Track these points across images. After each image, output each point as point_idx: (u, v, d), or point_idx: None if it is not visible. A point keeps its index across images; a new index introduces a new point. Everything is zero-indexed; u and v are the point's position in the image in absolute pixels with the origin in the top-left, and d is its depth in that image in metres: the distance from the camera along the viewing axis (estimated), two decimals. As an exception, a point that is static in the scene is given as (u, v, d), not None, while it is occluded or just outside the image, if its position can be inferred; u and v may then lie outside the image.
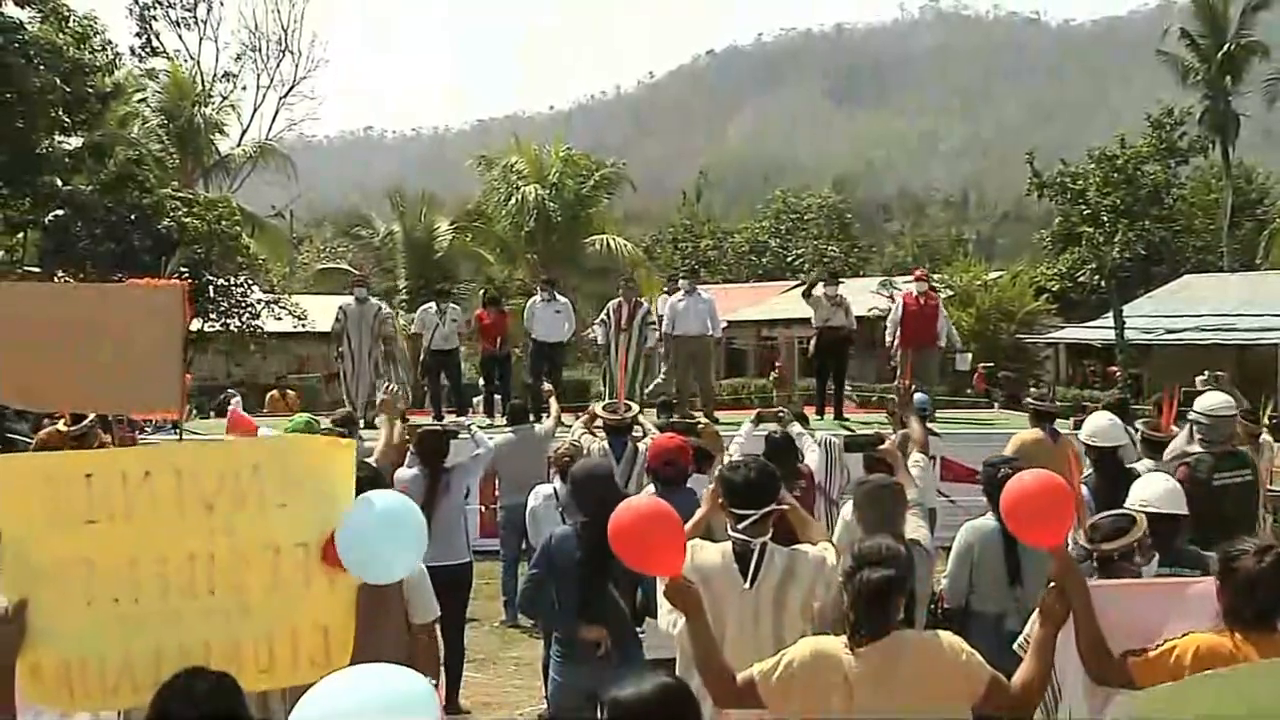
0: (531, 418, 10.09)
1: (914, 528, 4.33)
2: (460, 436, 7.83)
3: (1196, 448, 6.10)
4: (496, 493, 9.95)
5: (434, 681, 4.03)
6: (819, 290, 12.69)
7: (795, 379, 28.27)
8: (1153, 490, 4.65)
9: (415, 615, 4.07)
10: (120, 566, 3.13)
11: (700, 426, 6.43)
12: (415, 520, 3.24)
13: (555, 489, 7.15)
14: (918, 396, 9.12)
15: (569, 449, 7.25)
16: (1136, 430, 7.34)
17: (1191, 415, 6.29)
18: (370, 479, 4.19)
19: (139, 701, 3.23)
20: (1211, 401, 6.19)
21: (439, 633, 6.74)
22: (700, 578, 3.73)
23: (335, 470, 3.33)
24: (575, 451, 7.15)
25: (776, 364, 29.52)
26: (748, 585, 3.72)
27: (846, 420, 12.27)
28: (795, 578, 3.73)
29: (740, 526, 3.79)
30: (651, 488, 5.52)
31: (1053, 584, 3.15)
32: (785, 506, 4.08)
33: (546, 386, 10.07)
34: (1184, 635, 3.04)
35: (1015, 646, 3.38)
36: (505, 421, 9.94)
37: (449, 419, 11.02)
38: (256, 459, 3.30)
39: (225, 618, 3.17)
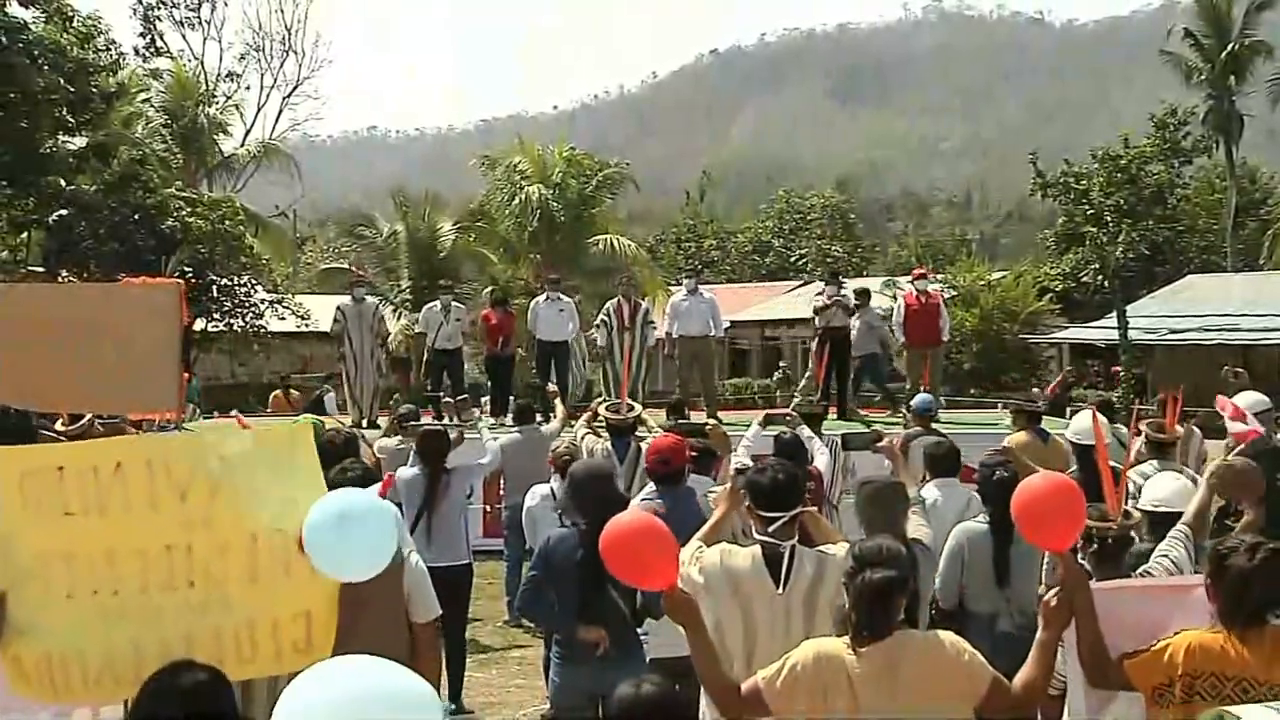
0: (538, 418, 10.10)
1: (915, 527, 4.33)
2: (468, 436, 7.83)
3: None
4: (501, 492, 9.95)
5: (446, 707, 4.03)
6: (821, 299, 12.73)
7: (798, 379, 28.26)
8: (1164, 490, 4.63)
9: (416, 614, 4.05)
10: (98, 559, 3.12)
11: (708, 427, 6.41)
12: (378, 519, 3.17)
13: (552, 489, 7.13)
14: (922, 398, 9.13)
15: (568, 448, 7.24)
16: (1140, 432, 7.33)
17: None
18: (362, 478, 4.19)
19: (120, 695, 3.23)
20: (1246, 401, 6.16)
21: (447, 633, 6.79)
22: (730, 582, 3.73)
23: (299, 454, 3.30)
24: (574, 451, 7.14)
25: (780, 364, 29.55)
26: (779, 590, 3.69)
27: (864, 418, 12.23)
28: (824, 580, 3.71)
29: (769, 530, 3.76)
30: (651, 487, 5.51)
31: (1056, 586, 3.13)
32: (812, 509, 4.07)
33: (551, 387, 10.07)
34: (1176, 633, 3.04)
35: None
36: (511, 421, 9.94)
37: (455, 420, 11.00)
38: (223, 450, 3.28)
39: (205, 609, 3.15)
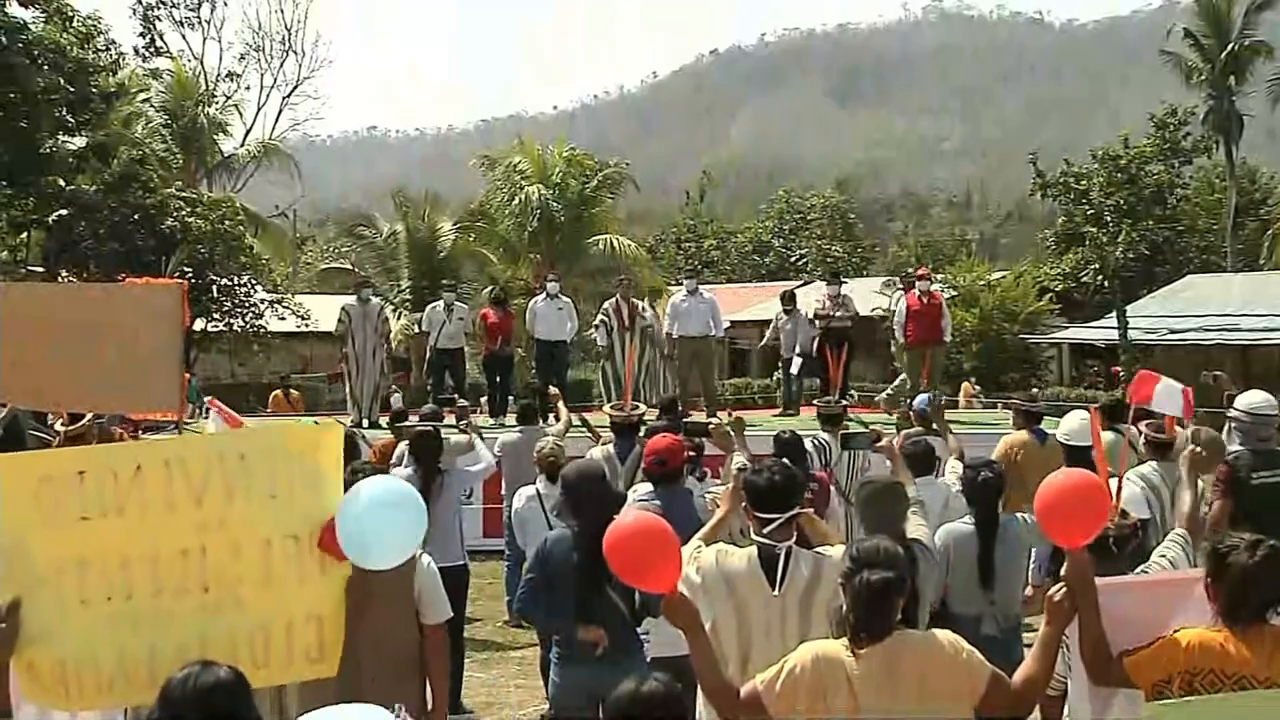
0: (541, 419, 10.08)
1: (915, 526, 4.32)
2: (466, 431, 7.82)
3: (1236, 446, 6.04)
4: (503, 492, 9.93)
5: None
6: (824, 293, 12.78)
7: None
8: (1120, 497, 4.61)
9: (427, 616, 4.04)
10: (113, 564, 3.13)
11: (711, 426, 6.38)
12: (415, 504, 3.24)
13: (538, 490, 7.13)
14: (921, 397, 9.13)
15: (553, 449, 7.24)
16: (1140, 433, 7.33)
17: (1232, 413, 6.24)
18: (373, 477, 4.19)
19: (134, 699, 3.24)
20: (1253, 399, 6.13)
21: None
22: (726, 583, 3.73)
23: (323, 456, 3.31)
24: (559, 452, 7.14)
25: (780, 364, 29.54)
26: (775, 591, 3.68)
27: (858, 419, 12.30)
28: (820, 581, 3.70)
29: (765, 531, 3.75)
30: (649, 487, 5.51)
31: (1062, 583, 3.13)
32: (810, 510, 4.05)
33: (553, 391, 10.07)
34: (1176, 631, 3.04)
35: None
36: (514, 421, 9.94)
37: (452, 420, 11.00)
38: (244, 448, 3.29)
39: (219, 614, 3.16)
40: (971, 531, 5.11)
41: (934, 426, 8.56)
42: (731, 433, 5.87)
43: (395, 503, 3.18)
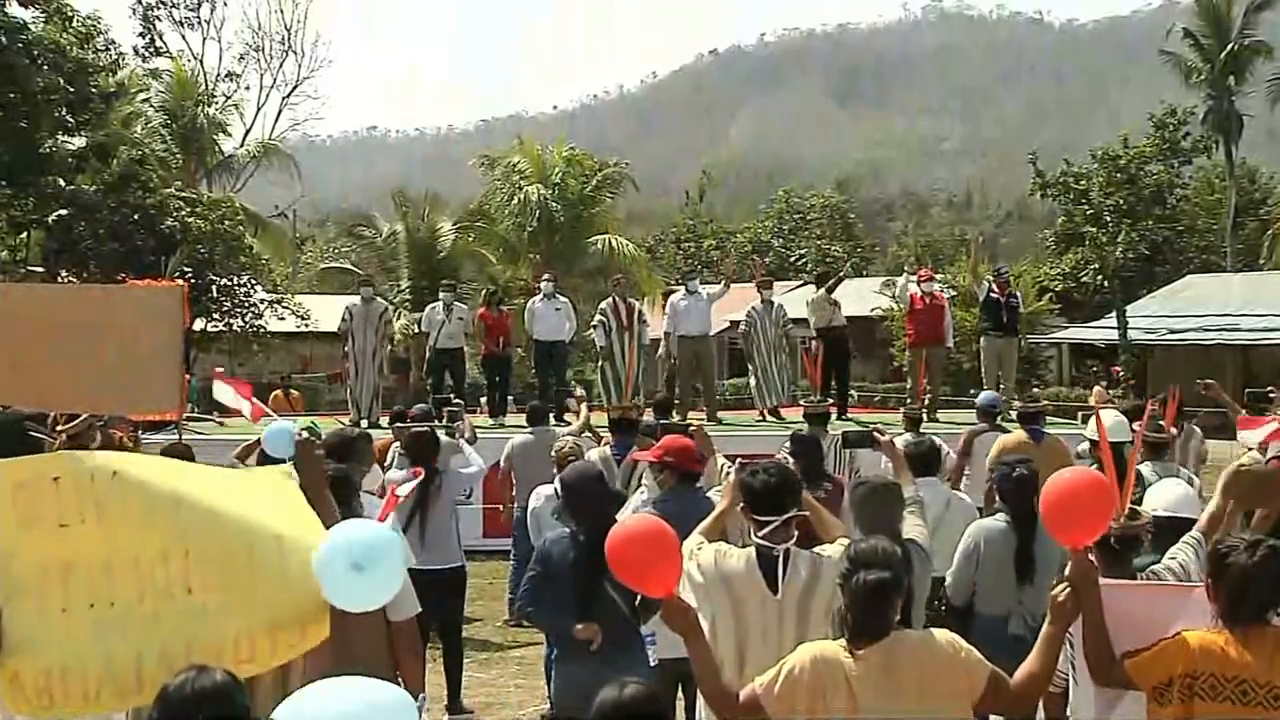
0: (552, 419, 10.08)
1: (911, 526, 4.32)
2: (455, 437, 7.82)
3: None
4: (514, 492, 9.91)
5: (421, 699, 4.02)
6: (821, 290, 12.71)
7: (797, 379, 28.25)
8: (1168, 496, 4.58)
9: (392, 613, 4.02)
10: (94, 570, 3.09)
11: (691, 428, 6.31)
12: (390, 551, 3.13)
13: (556, 489, 7.13)
14: (988, 395, 9.18)
15: (572, 448, 7.25)
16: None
17: None
18: (338, 478, 4.19)
19: (121, 705, 3.22)
20: None
21: (443, 635, 6.80)
22: (724, 584, 3.73)
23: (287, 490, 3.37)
24: (579, 450, 7.15)
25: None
26: (773, 593, 3.68)
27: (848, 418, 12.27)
28: (819, 582, 3.69)
29: (763, 533, 3.75)
30: (644, 494, 5.49)
31: (1065, 583, 3.14)
32: (806, 512, 4.05)
33: (579, 391, 10.03)
34: (1176, 634, 3.04)
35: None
36: (524, 422, 9.92)
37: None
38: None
39: (204, 616, 3.12)
40: (1004, 528, 5.07)
41: (998, 422, 8.62)
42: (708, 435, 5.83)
43: (370, 564, 3.09)
